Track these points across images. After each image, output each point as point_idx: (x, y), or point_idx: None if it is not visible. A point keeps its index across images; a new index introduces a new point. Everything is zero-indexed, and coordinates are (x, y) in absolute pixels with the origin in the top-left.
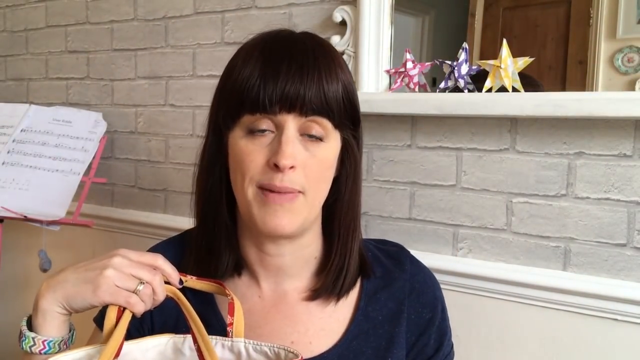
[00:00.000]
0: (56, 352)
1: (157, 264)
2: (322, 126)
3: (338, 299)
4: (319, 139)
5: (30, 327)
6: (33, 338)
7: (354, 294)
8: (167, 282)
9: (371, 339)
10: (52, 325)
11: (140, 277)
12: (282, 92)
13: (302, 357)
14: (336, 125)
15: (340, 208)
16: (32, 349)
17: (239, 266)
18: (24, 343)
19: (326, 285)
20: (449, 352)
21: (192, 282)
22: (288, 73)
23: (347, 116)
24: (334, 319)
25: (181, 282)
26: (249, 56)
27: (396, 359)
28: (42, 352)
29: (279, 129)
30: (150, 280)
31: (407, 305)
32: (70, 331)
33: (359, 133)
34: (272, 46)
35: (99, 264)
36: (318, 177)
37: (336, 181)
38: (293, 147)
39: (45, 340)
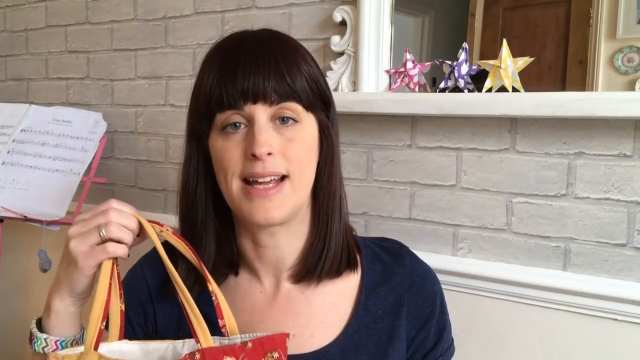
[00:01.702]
0: None
1: (109, 206)
2: (292, 110)
3: (318, 282)
4: (293, 120)
5: (40, 329)
6: (45, 339)
7: (354, 288)
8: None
9: (372, 333)
10: (67, 324)
11: (97, 224)
12: (242, 85)
13: (288, 335)
14: (307, 107)
15: (319, 189)
16: (45, 349)
17: (237, 265)
18: (36, 345)
19: (307, 266)
20: (448, 346)
21: (167, 234)
22: (245, 66)
23: (316, 97)
24: (334, 312)
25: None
26: (209, 63)
27: (397, 352)
28: (55, 352)
29: (251, 121)
30: (106, 220)
31: (407, 299)
32: (81, 330)
33: (332, 114)
34: (227, 47)
35: (65, 244)
36: (300, 159)
37: (318, 164)
38: (266, 135)
39: (57, 340)
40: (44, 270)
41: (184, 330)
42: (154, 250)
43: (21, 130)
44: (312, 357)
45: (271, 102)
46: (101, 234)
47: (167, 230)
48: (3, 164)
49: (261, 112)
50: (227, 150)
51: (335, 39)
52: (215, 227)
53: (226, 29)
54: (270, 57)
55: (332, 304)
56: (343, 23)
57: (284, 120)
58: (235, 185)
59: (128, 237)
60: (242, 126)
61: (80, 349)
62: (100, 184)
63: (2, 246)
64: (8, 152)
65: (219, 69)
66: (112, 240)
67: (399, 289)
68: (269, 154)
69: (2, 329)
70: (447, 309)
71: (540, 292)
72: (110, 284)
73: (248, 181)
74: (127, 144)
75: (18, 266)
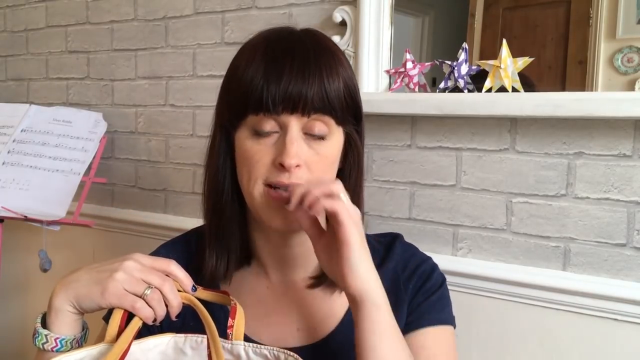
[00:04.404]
0: (68, 350)
1: (169, 269)
2: (325, 123)
3: (341, 291)
4: (322, 138)
5: (44, 324)
6: (46, 335)
7: None
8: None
9: None
10: (64, 324)
11: (150, 281)
12: (285, 92)
13: None
14: (339, 122)
15: None
16: (45, 346)
17: (249, 257)
18: (36, 340)
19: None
20: (440, 310)
21: (199, 292)
22: (291, 74)
23: (350, 112)
24: (337, 304)
25: (194, 288)
26: (252, 57)
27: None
28: (54, 349)
29: (283, 128)
30: (160, 285)
31: (401, 278)
32: (83, 330)
33: (362, 127)
34: (275, 47)
35: (111, 267)
36: (322, 173)
37: (340, 172)
38: (297, 147)
39: (57, 338)
40: (44, 270)
41: (188, 326)
42: (174, 241)
43: (21, 130)
44: (314, 348)
45: (308, 113)
46: (145, 291)
47: (199, 288)
48: (3, 164)
49: (295, 122)
50: (256, 154)
51: (335, 39)
52: (238, 219)
53: (226, 29)
54: (316, 69)
55: (336, 297)
56: (343, 23)
57: (314, 134)
58: (257, 189)
59: (161, 312)
60: (274, 132)
61: (74, 355)
62: (100, 184)
63: (2, 246)
64: (8, 152)
65: (263, 68)
66: (147, 303)
67: (393, 274)
68: (297, 165)
69: (2, 329)
70: (447, 288)
71: (540, 292)
72: (131, 342)
73: (270, 185)
74: (127, 144)
75: (18, 266)
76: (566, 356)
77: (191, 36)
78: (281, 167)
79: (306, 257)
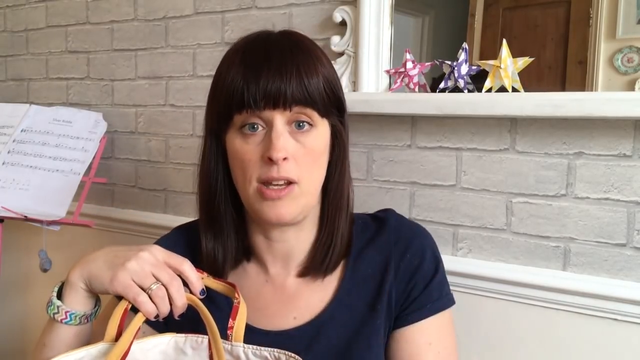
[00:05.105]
0: (76, 325)
1: (182, 268)
2: (309, 115)
3: (324, 275)
4: (309, 124)
5: (60, 295)
6: (58, 306)
7: (344, 261)
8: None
9: (362, 293)
10: (76, 299)
11: (159, 277)
12: (265, 90)
13: None
14: (322, 114)
15: (329, 189)
16: (55, 316)
17: (248, 254)
18: (49, 309)
19: (315, 262)
20: (438, 297)
21: (208, 280)
22: (268, 73)
23: (332, 104)
24: (329, 287)
25: (203, 292)
26: (232, 63)
27: (384, 307)
28: (63, 321)
29: (269, 125)
30: (167, 282)
31: (394, 254)
32: (95, 307)
33: (345, 119)
34: (252, 50)
35: (127, 254)
36: (310, 165)
37: (328, 165)
38: (284, 140)
39: (67, 312)
40: (44, 270)
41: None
42: (169, 235)
43: (21, 131)
44: (305, 328)
45: (290, 108)
46: (151, 286)
47: (208, 276)
48: (3, 164)
49: (279, 117)
50: (246, 153)
51: (335, 39)
52: (233, 218)
53: (226, 29)
54: (292, 65)
55: (327, 282)
56: (343, 23)
57: (300, 125)
58: (251, 188)
59: (164, 309)
60: (260, 128)
61: (79, 354)
62: (100, 184)
63: (2, 246)
64: (8, 152)
65: (242, 71)
66: (151, 298)
67: (385, 246)
68: (285, 158)
69: (2, 328)
70: (442, 263)
71: (540, 292)
72: (132, 342)
73: (263, 182)
74: (127, 144)
75: (18, 266)
76: (566, 356)
77: (191, 36)
78: (269, 161)
79: (301, 249)
